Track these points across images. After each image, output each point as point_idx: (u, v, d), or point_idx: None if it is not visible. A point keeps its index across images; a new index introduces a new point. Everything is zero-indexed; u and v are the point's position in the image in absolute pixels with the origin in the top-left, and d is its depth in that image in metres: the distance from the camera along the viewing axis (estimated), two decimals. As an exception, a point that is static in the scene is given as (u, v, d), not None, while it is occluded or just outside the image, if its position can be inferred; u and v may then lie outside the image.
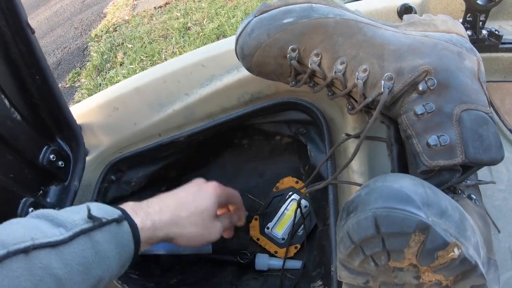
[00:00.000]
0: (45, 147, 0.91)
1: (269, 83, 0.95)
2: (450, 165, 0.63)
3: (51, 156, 0.91)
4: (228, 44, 1.00)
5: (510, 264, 0.82)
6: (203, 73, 0.98)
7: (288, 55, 0.71)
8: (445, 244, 0.47)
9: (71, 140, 0.96)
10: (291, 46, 0.70)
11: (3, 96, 0.80)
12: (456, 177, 0.66)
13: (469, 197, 0.72)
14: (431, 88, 0.66)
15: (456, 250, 0.48)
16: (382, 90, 0.66)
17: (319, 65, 0.70)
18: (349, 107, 0.76)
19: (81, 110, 1.02)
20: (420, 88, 0.66)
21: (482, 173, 0.89)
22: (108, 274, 0.62)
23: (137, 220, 0.69)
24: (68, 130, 0.95)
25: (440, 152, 0.64)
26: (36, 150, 0.90)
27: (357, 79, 0.68)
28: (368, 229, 0.49)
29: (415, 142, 0.66)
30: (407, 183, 0.51)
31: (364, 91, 0.69)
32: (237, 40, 0.75)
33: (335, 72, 0.69)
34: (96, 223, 0.61)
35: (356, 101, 0.73)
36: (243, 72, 0.96)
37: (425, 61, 0.67)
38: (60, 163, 0.93)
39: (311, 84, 0.76)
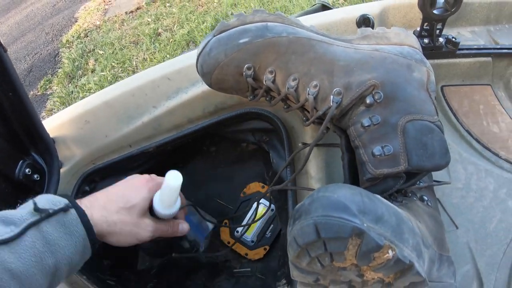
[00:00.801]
0: (21, 161, 0.93)
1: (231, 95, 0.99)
2: (394, 172, 0.69)
3: (27, 170, 0.93)
4: (192, 57, 1.02)
5: (468, 258, 0.87)
6: (169, 86, 1.03)
7: (244, 73, 0.76)
8: (378, 247, 0.53)
9: (45, 153, 0.98)
10: (246, 65, 0.75)
11: None
12: (400, 183, 0.72)
13: (421, 199, 0.78)
14: (378, 101, 0.71)
15: (390, 251, 0.54)
16: (331, 104, 0.72)
17: (273, 81, 0.75)
18: (304, 119, 0.81)
19: (53, 124, 1.05)
20: (368, 102, 0.71)
21: (440, 173, 0.94)
22: (64, 262, 0.64)
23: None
24: (42, 144, 0.97)
25: (384, 161, 0.69)
26: (12, 165, 0.92)
27: (308, 94, 0.73)
28: (310, 235, 0.55)
29: (361, 152, 0.71)
30: (345, 193, 0.57)
31: (315, 105, 0.74)
32: (197, 58, 0.80)
33: (288, 88, 0.74)
34: (43, 215, 0.63)
35: (309, 113, 0.79)
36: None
37: (372, 75, 0.72)
38: (35, 176, 0.95)
39: (267, 98, 0.81)
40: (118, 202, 0.76)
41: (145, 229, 0.78)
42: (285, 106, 0.81)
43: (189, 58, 1.04)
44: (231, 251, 1.21)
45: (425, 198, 0.79)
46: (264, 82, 0.76)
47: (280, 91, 0.76)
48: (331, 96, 0.72)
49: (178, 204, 0.85)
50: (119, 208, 0.75)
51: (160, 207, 0.81)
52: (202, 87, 1.01)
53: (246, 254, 1.17)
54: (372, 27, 0.99)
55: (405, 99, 0.72)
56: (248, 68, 0.75)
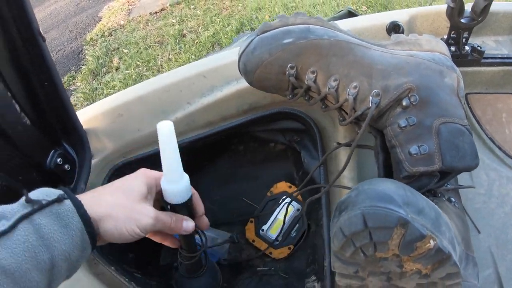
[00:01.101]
0: (52, 151, 0.95)
1: (265, 94, 1.04)
2: (429, 171, 0.75)
3: (58, 160, 0.95)
4: (228, 56, 1.10)
5: (490, 262, 0.92)
6: (205, 83, 1.08)
7: (287, 72, 0.81)
8: (422, 236, 0.59)
9: (77, 145, 1.01)
10: (289, 64, 0.80)
11: (14, 101, 0.84)
12: (434, 182, 0.78)
13: (449, 200, 0.84)
14: (414, 103, 0.77)
15: (431, 241, 0.60)
16: (370, 105, 0.78)
17: (315, 81, 0.81)
18: (341, 119, 0.87)
19: (86, 115, 1.09)
20: (404, 104, 0.77)
21: (464, 178, 0.99)
22: (61, 258, 0.60)
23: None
24: (75, 135, 1.00)
25: (420, 160, 0.75)
26: (44, 154, 0.94)
27: (348, 94, 0.79)
28: (357, 224, 0.60)
29: (398, 151, 0.77)
30: (389, 186, 0.63)
31: (354, 106, 0.80)
32: (240, 56, 0.85)
33: (329, 88, 0.80)
34: (36, 206, 0.60)
35: (346, 113, 0.84)
36: (242, 84, 1.06)
37: (408, 79, 0.78)
38: (66, 166, 0.98)
39: (306, 98, 0.87)
40: (113, 187, 0.72)
41: (146, 215, 0.70)
42: (323, 106, 0.87)
43: (225, 57, 1.10)
44: (255, 249, 1.26)
45: (453, 199, 0.84)
46: (305, 82, 0.82)
47: (321, 91, 0.82)
48: (370, 97, 0.78)
49: (185, 182, 0.76)
50: (115, 190, 0.71)
51: (164, 182, 0.75)
52: (236, 86, 1.06)
53: (270, 253, 1.22)
54: (402, 34, 1.05)
55: (438, 103, 0.78)
56: (291, 68, 0.80)
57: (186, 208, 0.78)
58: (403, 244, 0.61)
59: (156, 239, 0.83)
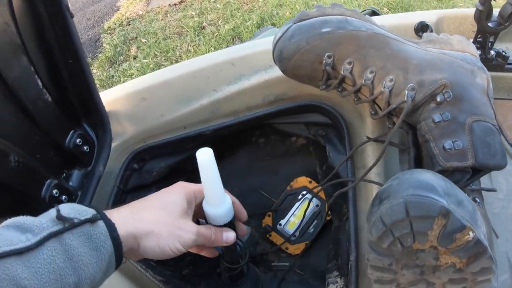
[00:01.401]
0: (72, 131, 0.97)
1: (293, 85, 1.06)
2: (462, 167, 0.77)
3: (77, 140, 0.97)
4: (258, 46, 1.13)
5: (506, 267, 0.93)
6: (232, 71, 1.10)
7: (324, 61, 0.84)
8: (462, 227, 0.61)
9: (98, 126, 1.03)
10: (327, 53, 0.83)
11: (37, 76, 0.86)
12: (466, 178, 0.80)
13: (474, 200, 0.86)
14: (448, 99, 0.80)
15: (471, 233, 0.62)
16: (406, 99, 0.80)
17: (351, 72, 0.83)
18: (372, 112, 0.89)
19: (108, 97, 1.11)
20: (438, 99, 0.80)
21: (484, 183, 1.01)
22: (87, 282, 0.58)
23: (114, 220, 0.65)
24: (96, 116, 1.01)
25: (454, 155, 0.78)
26: (63, 133, 0.96)
27: (384, 87, 0.81)
28: (399, 213, 0.62)
29: (432, 146, 0.79)
30: (430, 176, 0.65)
31: (389, 99, 0.82)
32: (275, 43, 0.87)
33: (365, 79, 0.82)
34: (67, 225, 0.57)
35: (379, 107, 0.87)
36: (270, 74, 1.08)
37: (443, 75, 0.80)
38: (85, 148, 1.00)
39: (339, 89, 0.89)
40: (154, 203, 0.73)
41: (188, 231, 0.72)
42: (355, 98, 0.89)
43: (255, 46, 1.13)
44: (270, 243, 1.28)
45: (477, 200, 0.86)
46: (341, 72, 0.84)
47: (356, 82, 0.84)
48: (406, 91, 0.80)
49: (227, 204, 0.79)
50: (155, 207, 0.71)
51: (206, 205, 0.78)
52: (264, 76, 1.09)
53: (286, 248, 1.24)
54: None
55: (470, 101, 0.81)
56: (329, 57, 0.83)
57: (229, 227, 0.82)
58: (443, 234, 0.62)
59: (193, 250, 0.85)
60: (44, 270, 0.52)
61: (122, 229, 0.64)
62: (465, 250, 0.64)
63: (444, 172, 0.79)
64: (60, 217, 0.57)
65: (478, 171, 0.82)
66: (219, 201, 0.78)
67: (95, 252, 0.59)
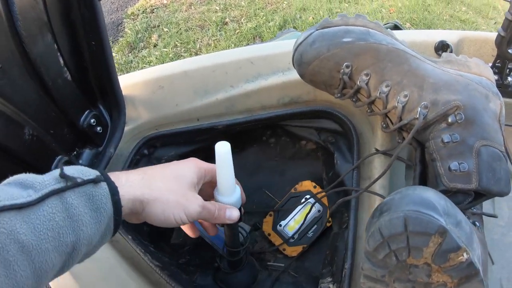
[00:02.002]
0: (87, 111, 0.99)
1: (308, 89, 1.09)
2: (465, 189, 0.79)
3: (92, 121, 0.99)
4: (278, 47, 1.14)
5: None
6: (251, 69, 1.12)
7: (341, 70, 0.85)
8: (457, 248, 0.63)
9: (113, 109, 1.05)
10: (345, 63, 0.84)
11: (59, 54, 0.87)
12: (468, 200, 0.81)
13: (474, 224, 0.87)
14: (459, 121, 0.81)
15: (465, 254, 0.63)
16: (418, 116, 0.81)
17: (367, 83, 0.85)
18: (384, 125, 0.91)
19: (126, 82, 1.13)
20: (450, 120, 0.81)
21: (486, 208, 1.02)
22: (84, 242, 0.58)
23: (117, 184, 0.65)
24: (112, 99, 1.03)
25: (459, 177, 0.79)
26: (79, 112, 0.97)
27: (398, 102, 0.83)
28: (398, 227, 0.64)
29: (438, 165, 0.81)
30: (432, 194, 0.67)
31: (402, 114, 0.84)
32: (296, 47, 0.89)
33: (380, 93, 0.84)
34: (69, 183, 0.57)
35: (391, 121, 0.88)
36: (288, 76, 1.10)
37: (457, 97, 0.82)
38: (98, 128, 1.01)
39: (354, 99, 0.91)
40: (166, 172, 0.75)
41: (194, 203, 0.74)
42: (368, 110, 0.91)
43: (275, 47, 1.14)
44: (268, 243, 1.29)
45: (477, 224, 0.88)
46: (357, 83, 0.86)
47: (371, 94, 0.86)
48: (419, 108, 0.81)
49: (237, 194, 0.85)
50: (166, 176, 0.73)
51: (218, 195, 0.84)
52: (282, 77, 1.10)
53: (284, 249, 1.25)
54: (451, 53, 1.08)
55: (481, 125, 0.82)
56: (347, 67, 0.84)
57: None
58: (438, 252, 0.64)
59: (185, 228, 0.89)
60: (42, 227, 0.53)
61: (128, 192, 0.66)
62: (458, 271, 0.65)
63: (447, 192, 0.81)
64: (63, 176, 0.58)
65: (480, 195, 0.83)
66: (230, 191, 0.84)
67: (95, 213, 0.59)
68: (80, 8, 0.88)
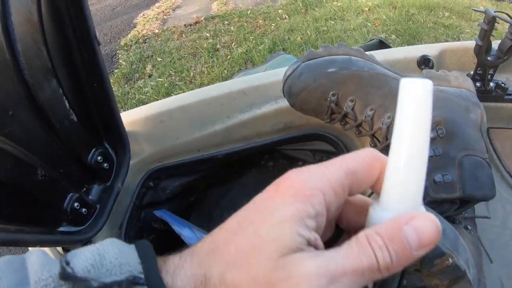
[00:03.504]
0: (94, 149, 1.03)
1: (300, 115, 1.12)
2: (450, 198, 0.86)
3: (99, 158, 1.03)
4: (269, 77, 1.21)
5: None
6: (245, 100, 1.18)
7: (328, 98, 0.92)
8: (442, 254, 0.69)
9: (118, 145, 1.09)
10: (331, 92, 0.92)
11: (64, 98, 0.91)
12: (454, 208, 0.89)
13: (465, 228, 0.93)
14: (441, 136, 0.88)
15: (450, 259, 0.70)
16: (402, 134, 0.88)
17: (352, 109, 0.92)
18: (372, 145, 0.98)
19: (128, 118, 1.18)
20: (432, 135, 0.88)
21: (480, 210, 1.08)
22: None
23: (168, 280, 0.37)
24: (117, 136, 1.07)
25: (443, 188, 0.86)
26: (86, 151, 1.01)
27: (382, 124, 0.90)
28: None
29: (424, 178, 0.88)
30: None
31: (387, 134, 0.91)
32: (285, 80, 0.96)
33: (365, 116, 0.91)
34: None
35: (378, 140, 0.95)
36: (280, 103, 1.16)
37: (437, 113, 0.89)
38: (105, 165, 1.05)
39: (342, 123, 0.98)
40: (236, 241, 0.37)
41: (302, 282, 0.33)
42: (357, 132, 0.98)
43: (266, 77, 1.21)
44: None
45: (469, 227, 0.94)
46: (344, 108, 0.93)
47: (357, 118, 0.93)
48: None
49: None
50: (238, 251, 0.36)
51: (379, 209, 0.39)
52: (275, 105, 1.17)
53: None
54: (432, 67, 1.16)
55: (462, 137, 0.89)
56: (333, 95, 0.92)
57: None
58: (425, 260, 0.71)
59: None
60: None
61: None
62: (446, 274, 0.72)
63: (433, 203, 0.88)
64: (65, 277, 0.35)
65: (466, 201, 0.90)
66: (419, 191, 0.40)
67: None
68: (81, 53, 0.92)
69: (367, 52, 0.98)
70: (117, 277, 0.35)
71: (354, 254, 0.34)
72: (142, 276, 0.36)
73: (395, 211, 0.37)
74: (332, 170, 0.40)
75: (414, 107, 0.38)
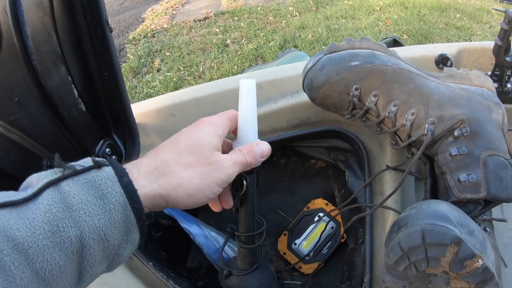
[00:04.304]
0: (102, 141, 1.01)
1: (317, 111, 1.13)
2: (475, 198, 0.84)
3: (107, 150, 1.01)
4: (286, 71, 1.19)
5: None
6: (260, 94, 1.16)
7: (351, 93, 0.90)
8: (472, 255, 0.68)
9: (127, 138, 1.06)
10: (355, 86, 0.89)
11: (73, 86, 0.89)
12: (479, 209, 0.87)
13: (485, 230, 0.91)
14: (465, 134, 0.86)
15: (480, 261, 0.68)
16: (426, 132, 0.86)
17: (376, 104, 0.89)
18: (393, 142, 0.95)
19: (138, 110, 1.16)
20: (456, 134, 0.86)
21: (495, 213, 1.07)
22: (94, 237, 0.51)
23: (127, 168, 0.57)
24: (126, 128, 1.04)
25: (468, 188, 0.84)
26: (94, 142, 0.99)
27: (406, 120, 0.88)
28: (416, 240, 0.70)
29: (448, 178, 0.86)
30: (445, 207, 0.72)
31: (410, 131, 0.89)
32: (306, 73, 0.94)
33: (388, 112, 0.89)
34: (67, 172, 0.51)
35: (400, 138, 0.93)
36: (296, 99, 1.14)
37: (461, 111, 0.87)
38: (113, 157, 1.02)
39: (363, 119, 0.96)
40: (177, 148, 0.62)
41: (223, 165, 0.63)
42: (378, 129, 0.95)
43: (283, 71, 1.19)
44: (284, 262, 1.33)
45: (488, 230, 0.92)
46: (366, 104, 0.90)
47: (380, 114, 0.90)
48: (426, 125, 0.86)
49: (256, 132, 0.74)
50: (181, 154, 0.61)
51: (242, 139, 0.73)
52: (291, 100, 1.15)
53: (300, 267, 1.29)
54: (450, 66, 1.13)
55: (486, 136, 0.87)
56: (356, 89, 0.89)
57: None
58: (455, 261, 0.69)
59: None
60: (38, 221, 0.47)
61: (144, 187, 0.56)
62: (474, 276, 0.70)
63: (458, 203, 0.86)
64: (59, 165, 0.52)
65: (490, 202, 0.88)
66: (254, 133, 0.74)
67: (100, 200, 0.51)
68: (92, 40, 0.89)
69: (391, 49, 0.95)
70: (91, 164, 0.54)
71: (238, 154, 0.67)
72: (106, 162, 0.55)
73: (245, 142, 0.72)
74: (222, 118, 0.72)
75: (246, 91, 0.73)
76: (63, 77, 0.86)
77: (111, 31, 0.90)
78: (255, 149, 0.69)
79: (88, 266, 0.52)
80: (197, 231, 1.14)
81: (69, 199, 0.49)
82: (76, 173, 0.52)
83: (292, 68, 1.20)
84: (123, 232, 0.54)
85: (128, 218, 0.53)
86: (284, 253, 1.32)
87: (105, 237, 0.51)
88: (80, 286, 0.53)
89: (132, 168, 0.58)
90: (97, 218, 0.50)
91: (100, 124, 1.01)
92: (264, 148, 0.71)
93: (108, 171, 0.53)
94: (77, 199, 0.50)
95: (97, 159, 0.54)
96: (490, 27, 4.56)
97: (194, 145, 0.62)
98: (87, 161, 0.54)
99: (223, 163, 0.63)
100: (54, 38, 0.81)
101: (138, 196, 0.54)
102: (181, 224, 1.13)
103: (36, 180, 0.51)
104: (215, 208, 0.74)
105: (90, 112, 0.95)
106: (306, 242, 1.30)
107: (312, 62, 0.93)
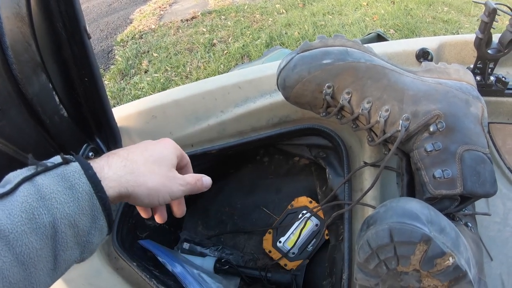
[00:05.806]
0: (85, 145, 1.01)
1: (296, 109, 1.12)
2: (451, 194, 0.83)
3: (90, 154, 1.01)
4: (264, 70, 1.18)
5: None
6: (239, 94, 1.15)
7: (324, 91, 0.89)
8: (442, 254, 0.66)
9: (110, 141, 1.07)
10: (327, 84, 0.88)
11: (54, 93, 0.88)
12: (455, 205, 0.85)
13: (466, 225, 0.91)
14: (440, 130, 0.84)
15: (451, 259, 0.67)
16: (400, 128, 0.85)
17: (349, 102, 0.88)
18: (369, 139, 0.94)
19: (120, 114, 1.16)
20: (431, 129, 0.85)
21: (480, 206, 1.06)
22: (65, 222, 0.57)
23: (100, 173, 0.64)
24: (109, 132, 1.05)
25: (443, 184, 0.83)
26: (77, 146, 0.99)
27: (380, 117, 0.86)
28: (384, 238, 0.68)
29: (423, 174, 0.85)
30: (415, 205, 0.70)
31: (385, 128, 0.87)
32: (280, 72, 0.92)
33: (362, 109, 0.88)
34: (40, 168, 0.58)
35: (376, 134, 0.92)
36: (275, 97, 1.13)
37: (437, 106, 0.85)
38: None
39: (338, 117, 0.95)
40: (145, 154, 0.72)
41: (178, 183, 0.74)
42: (353, 126, 0.94)
43: (261, 70, 1.18)
44: (270, 259, 1.32)
45: (469, 224, 0.91)
46: (340, 101, 0.89)
47: (354, 111, 0.89)
48: (400, 121, 0.85)
49: None
50: (148, 160, 0.71)
51: None
52: (270, 99, 1.14)
53: (285, 265, 1.28)
54: (431, 60, 1.13)
55: (463, 131, 0.86)
56: (328, 87, 0.88)
57: None
58: (425, 259, 0.68)
59: (142, 210, 0.84)
60: (16, 210, 0.53)
61: (113, 180, 0.64)
62: (446, 274, 0.69)
63: (433, 199, 0.85)
64: (33, 163, 0.59)
65: (467, 198, 0.87)
66: None
67: (69, 190, 0.58)
68: (71, 47, 0.90)
69: (365, 45, 0.95)
70: (60, 161, 0.60)
71: (191, 178, 0.76)
72: (73, 159, 0.62)
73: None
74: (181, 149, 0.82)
75: None
76: (43, 84, 0.86)
77: (89, 38, 0.91)
78: (202, 179, 0.81)
79: (62, 250, 0.58)
80: (179, 270, 1.15)
81: (42, 190, 0.56)
82: (47, 168, 0.59)
83: (269, 67, 1.19)
84: (91, 219, 0.61)
85: (94, 206, 0.61)
86: (270, 251, 1.31)
87: (75, 223, 0.58)
88: (55, 273, 0.59)
89: (103, 163, 0.66)
90: (67, 206, 0.57)
91: (83, 129, 1.01)
92: (208, 182, 0.83)
93: (75, 165, 0.61)
94: (49, 190, 0.57)
95: (65, 156, 0.62)
96: (478, 19, 4.55)
97: (159, 157, 0.74)
98: (56, 159, 0.62)
99: (178, 180, 0.75)
100: (34, 47, 0.81)
101: (103, 187, 0.62)
102: (162, 261, 1.15)
103: (13, 177, 0.58)
104: (145, 214, 0.84)
105: (72, 117, 0.96)
106: (291, 240, 1.29)
107: (285, 61, 0.91)
